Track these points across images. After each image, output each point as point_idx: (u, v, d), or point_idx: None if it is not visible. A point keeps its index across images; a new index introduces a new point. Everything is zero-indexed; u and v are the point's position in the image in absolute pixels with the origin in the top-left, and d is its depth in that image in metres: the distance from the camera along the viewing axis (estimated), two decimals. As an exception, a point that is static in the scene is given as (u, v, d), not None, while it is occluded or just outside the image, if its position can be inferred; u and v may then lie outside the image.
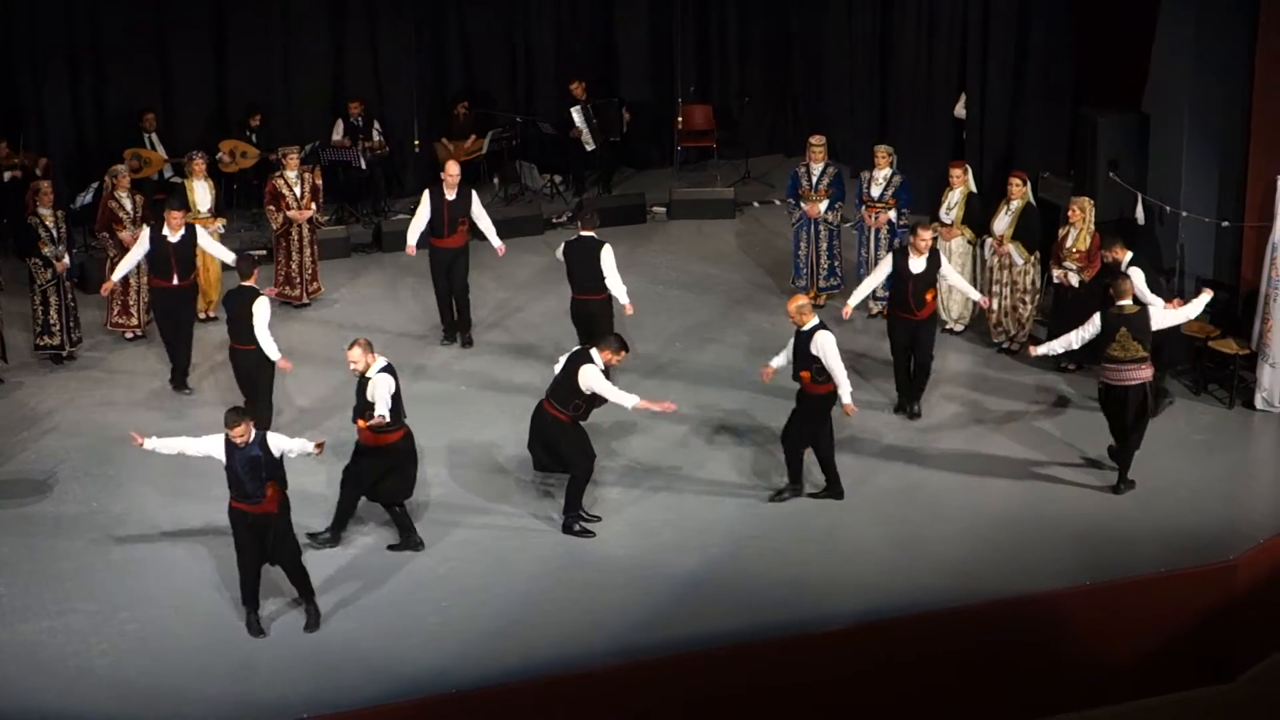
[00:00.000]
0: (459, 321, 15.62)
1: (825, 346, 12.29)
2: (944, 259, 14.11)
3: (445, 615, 11.26)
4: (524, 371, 14.86)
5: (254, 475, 10.75)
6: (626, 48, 20.63)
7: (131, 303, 15.58)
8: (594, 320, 14.08)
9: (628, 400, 12.18)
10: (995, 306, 15.12)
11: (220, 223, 16.06)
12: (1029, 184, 15.27)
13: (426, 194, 15.39)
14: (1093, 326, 12.73)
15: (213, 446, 10.94)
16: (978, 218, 15.36)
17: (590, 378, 12.09)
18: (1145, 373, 12.61)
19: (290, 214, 16.16)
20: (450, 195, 15.29)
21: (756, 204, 19.63)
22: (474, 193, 15.50)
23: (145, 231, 14.55)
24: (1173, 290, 14.34)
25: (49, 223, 14.90)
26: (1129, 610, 11.53)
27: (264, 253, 17.26)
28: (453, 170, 15.38)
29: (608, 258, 14.12)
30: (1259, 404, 14.06)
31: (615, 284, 14.18)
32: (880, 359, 14.76)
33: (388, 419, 11.59)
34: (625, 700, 10.69)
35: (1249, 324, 14.24)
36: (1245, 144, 14.49)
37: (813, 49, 20.71)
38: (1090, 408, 13.71)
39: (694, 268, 17.65)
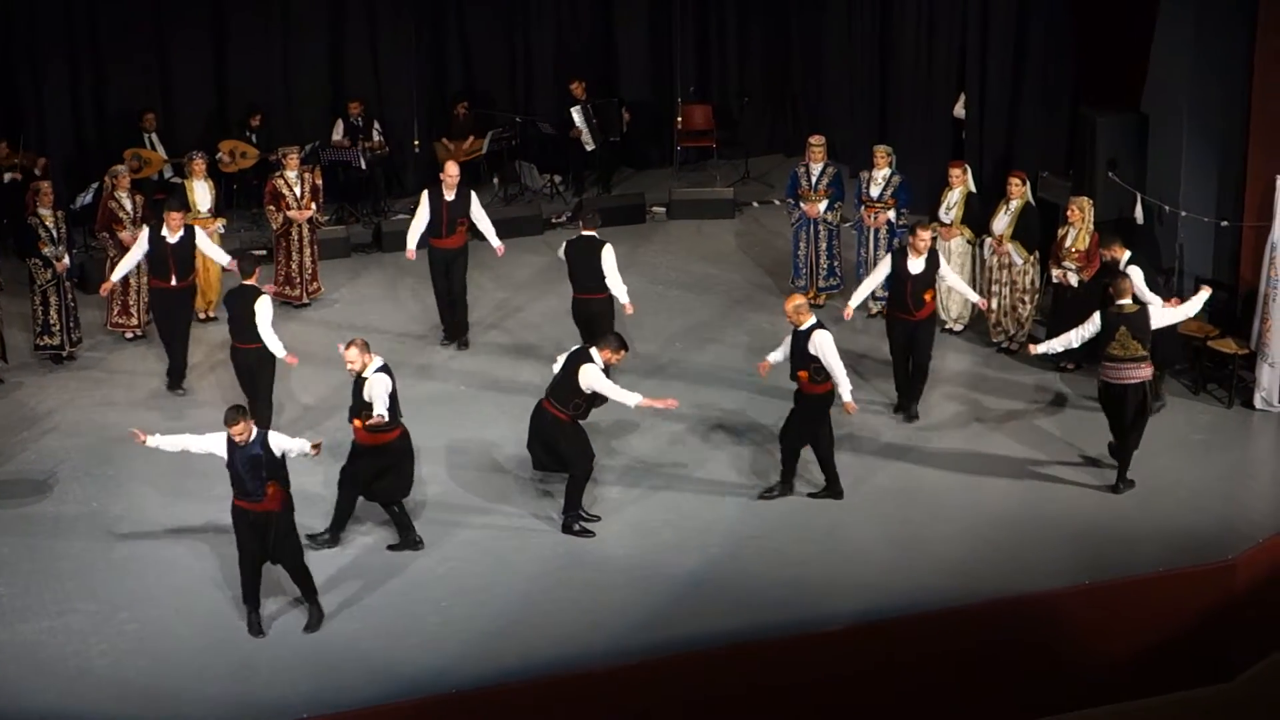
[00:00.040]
0: (456, 323, 15.61)
1: (823, 345, 12.28)
2: (943, 260, 14.11)
3: (445, 615, 11.26)
4: (524, 371, 14.86)
5: (255, 474, 10.77)
6: (626, 48, 20.62)
7: (131, 303, 15.58)
8: (596, 320, 14.07)
9: (630, 399, 12.15)
10: (994, 306, 15.13)
11: (220, 223, 16.07)
12: (1028, 184, 15.27)
13: (425, 195, 15.37)
14: (1093, 325, 12.74)
15: (215, 444, 10.96)
16: (977, 218, 15.36)
17: (591, 377, 12.08)
18: (1144, 371, 12.63)
19: (290, 214, 16.15)
20: (449, 196, 15.27)
21: (756, 204, 19.62)
22: (473, 193, 15.49)
23: (144, 232, 14.56)
24: (1171, 290, 14.36)
25: (49, 223, 14.90)
26: (1128, 610, 11.53)
27: (264, 253, 17.27)
28: (452, 171, 15.37)
29: (608, 258, 14.13)
30: (1258, 403, 14.07)
31: (616, 284, 14.17)
32: (880, 359, 14.75)
33: (386, 418, 11.60)
34: (625, 700, 10.69)
35: (1248, 324, 14.24)
36: (1244, 144, 14.50)
37: (812, 49, 20.70)
38: (1089, 407, 13.72)
39: (694, 268, 17.64)
